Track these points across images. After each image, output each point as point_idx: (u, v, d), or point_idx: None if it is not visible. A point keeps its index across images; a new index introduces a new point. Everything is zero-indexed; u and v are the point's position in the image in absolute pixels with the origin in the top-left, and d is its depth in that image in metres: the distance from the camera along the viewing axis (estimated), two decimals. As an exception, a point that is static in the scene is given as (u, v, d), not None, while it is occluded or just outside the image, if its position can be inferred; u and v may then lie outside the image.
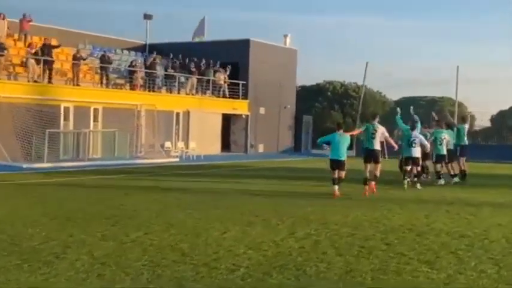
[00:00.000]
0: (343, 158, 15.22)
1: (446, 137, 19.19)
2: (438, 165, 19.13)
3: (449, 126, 20.27)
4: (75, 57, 28.29)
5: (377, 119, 16.53)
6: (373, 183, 15.90)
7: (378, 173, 16.20)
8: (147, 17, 40.46)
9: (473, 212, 12.52)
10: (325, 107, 69.77)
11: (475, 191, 17.24)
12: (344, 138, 15.31)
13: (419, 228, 10.25)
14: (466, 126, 20.88)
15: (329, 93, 70.67)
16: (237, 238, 8.91)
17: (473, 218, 11.76)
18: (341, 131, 15.44)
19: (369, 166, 16.09)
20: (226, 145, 38.25)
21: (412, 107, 19.25)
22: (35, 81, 26.28)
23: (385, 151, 20.96)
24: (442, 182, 18.85)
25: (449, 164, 19.85)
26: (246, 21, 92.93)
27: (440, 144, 19.03)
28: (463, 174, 20.13)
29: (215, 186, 17.40)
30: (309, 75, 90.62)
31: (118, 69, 34.25)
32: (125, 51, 37.96)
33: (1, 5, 30.82)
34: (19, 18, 30.50)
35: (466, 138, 20.55)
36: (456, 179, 19.75)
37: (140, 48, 40.23)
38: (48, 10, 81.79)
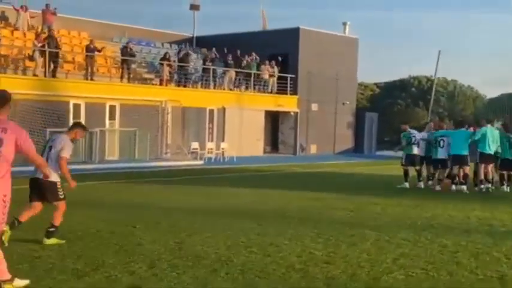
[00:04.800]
0: (464, 152, 16.01)
1: (446, 139, 16.55)
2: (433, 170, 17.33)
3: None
4: (88, 49, 25.63)
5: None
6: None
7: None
8: (193, 7, 37.61)
9: (484, 251, 8.32)
10: (409, 104, 64.66)
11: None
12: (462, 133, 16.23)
13: None
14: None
15: (413, 89, 65.45)
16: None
17: (470, 263, 7.62)
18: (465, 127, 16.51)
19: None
20: (275, 146, 34.74)
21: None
22: (35, 75, 23.86)
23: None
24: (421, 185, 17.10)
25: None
26: (304, 15, 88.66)
27: (442, 147, 16.55)
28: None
29: (177, 198, 13.98)
30: (392, 70, 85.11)
31: (151, 63, 31.52)
32: (166, 45, 35.20)
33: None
34: (42, 9, 28.37)
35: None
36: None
37: (187, 41, 37.43)
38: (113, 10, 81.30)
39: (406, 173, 17.16)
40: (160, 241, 8.48)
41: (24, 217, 8.12)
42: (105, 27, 33.83)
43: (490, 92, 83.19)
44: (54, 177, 7.95)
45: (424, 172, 17.55)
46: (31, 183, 8.15)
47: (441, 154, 16.53)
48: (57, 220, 8.20)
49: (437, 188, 16.66)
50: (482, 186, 16.09)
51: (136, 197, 14.20)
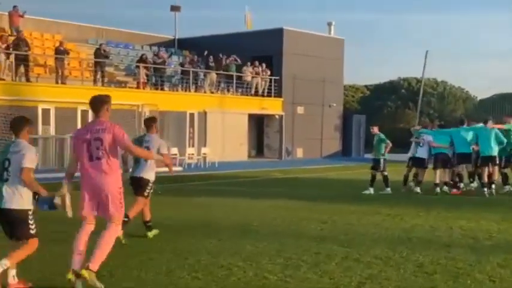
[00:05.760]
0: (468, 151, 15.54)
1: (427, 138, 16.06)
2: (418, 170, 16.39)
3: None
4: (58, 51, 24.45)
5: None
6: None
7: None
8: (174, 8, 36.50)
9: (465, 271, 7.26)
10: (399, 106, 63.66)
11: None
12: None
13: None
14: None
15: (403, 91, 64.44)
16: None
17: (447, 287, 6.55)
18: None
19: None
20: (260, 150, 33.67)
21: None
22: (1, 79, 22.71)
23: None
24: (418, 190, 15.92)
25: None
26: (290, 18, 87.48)
27: (422, 146, 16.04)
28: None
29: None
30: (383, 71, 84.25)
31: (129, 66, 30.41)
32: (146, 47, 34.09)
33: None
34: (8, 10, 27.15)
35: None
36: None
37: (169, 44, 36.38)
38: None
39: (385, 179, 16.20)
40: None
41: (133, 214, 8.95)
42: (83, 29, 32.81)
43: (483, 93, 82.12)
44: (149, 175, 9.01)
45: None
46: (132, 181, 9.08)
47: (420, 153, 16.01)
48: (133, 213, 8.91)
49: (417, 189, 15.90)
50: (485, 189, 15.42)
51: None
